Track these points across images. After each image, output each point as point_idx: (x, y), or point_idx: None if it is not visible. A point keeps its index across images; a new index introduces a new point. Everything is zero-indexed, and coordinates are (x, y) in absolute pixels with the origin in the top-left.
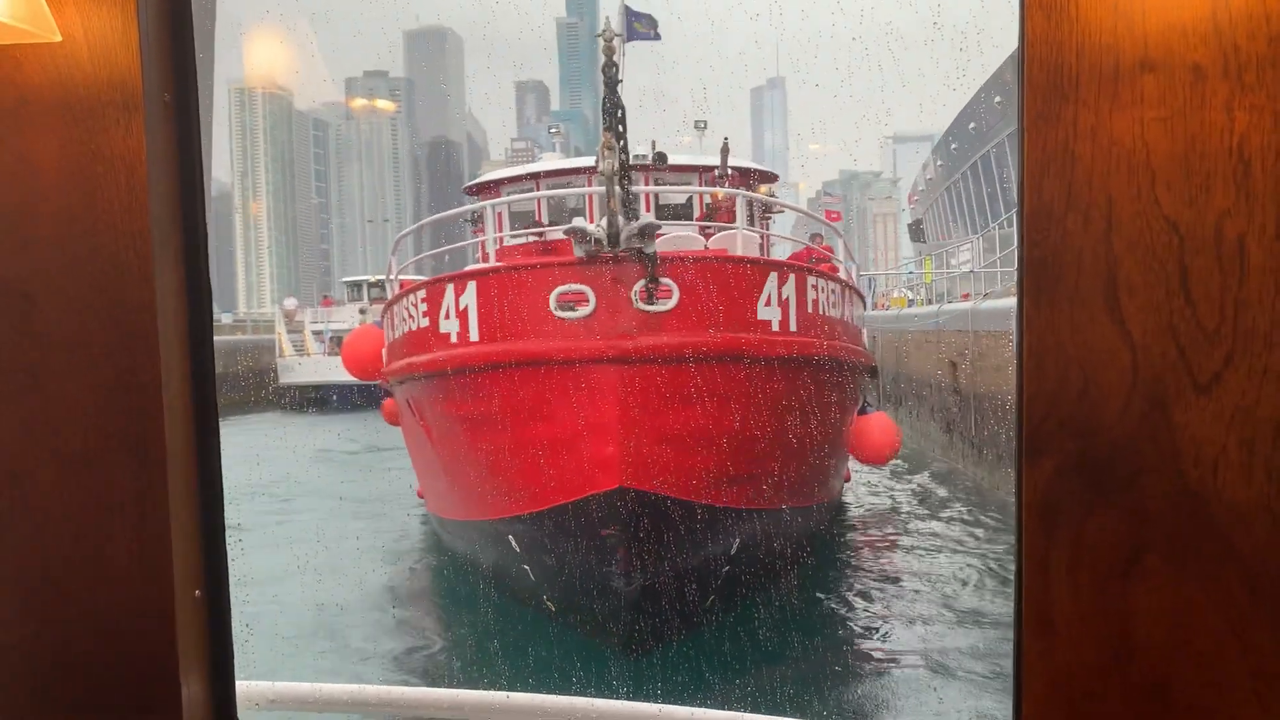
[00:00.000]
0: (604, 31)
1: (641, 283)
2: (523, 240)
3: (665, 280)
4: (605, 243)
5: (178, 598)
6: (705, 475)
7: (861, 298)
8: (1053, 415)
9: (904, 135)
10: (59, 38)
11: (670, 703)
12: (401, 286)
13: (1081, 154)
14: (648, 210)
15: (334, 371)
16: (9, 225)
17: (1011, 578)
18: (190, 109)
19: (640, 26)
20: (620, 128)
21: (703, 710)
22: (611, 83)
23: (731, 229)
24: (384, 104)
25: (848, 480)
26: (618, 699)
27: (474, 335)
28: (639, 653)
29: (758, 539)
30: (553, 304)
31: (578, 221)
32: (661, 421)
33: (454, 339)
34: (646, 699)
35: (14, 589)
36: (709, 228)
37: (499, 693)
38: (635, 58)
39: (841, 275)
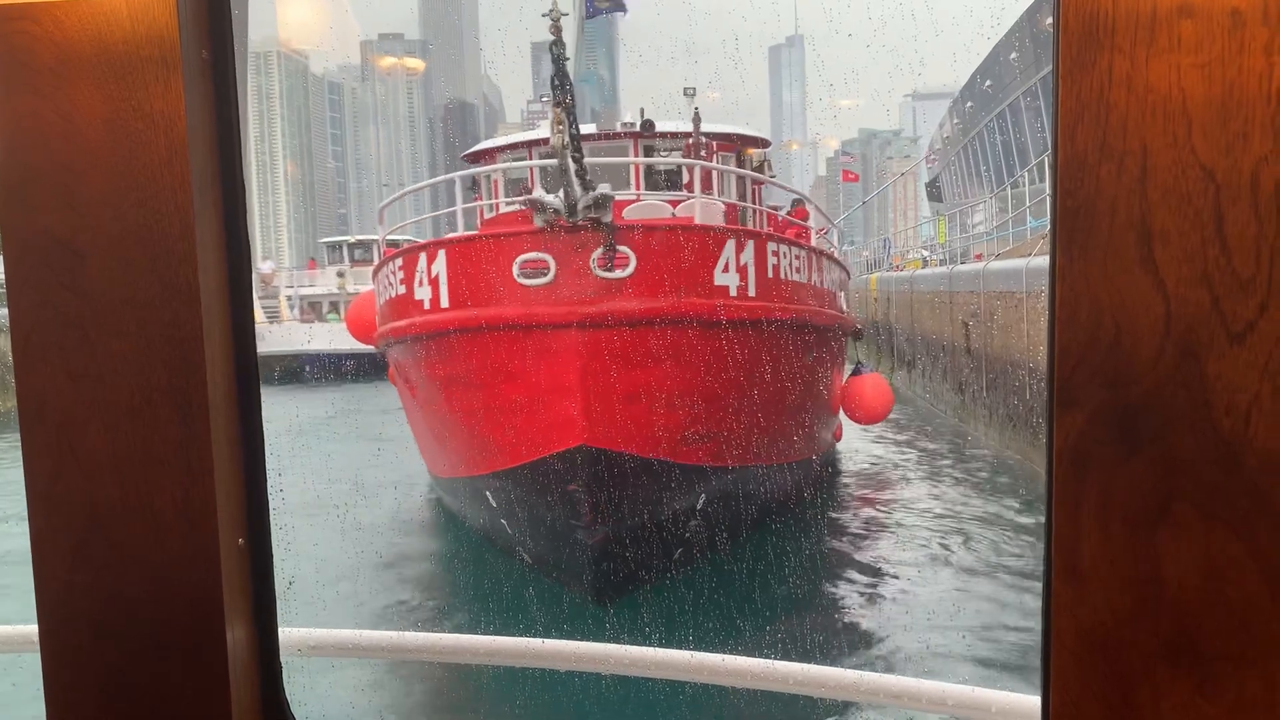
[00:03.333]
0: (551, 11)
1: (600, 250)
2: (516, 208)
3: (622, 248)
4: (563, 212)
5: (222, 545)
6: (666, 433)
7: (838, 263)
8: (1084, 365)
9: (923, 92)
10: None
11: (677, 647)
12: (384, 254)
13: (1116, 102)
14: (638, 180)
15: (306, 340)
16: (56, 182)
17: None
18: (227, 65)
19: (602, 1)
20: (569, 101)
21: (731, 658)
22: (558, 60)
23: (703, 197)
24: (413, 62)
25: (838, 438)
26: (647, 646)
27: (444, 302)
28: (607, 601)
29: (726, 494)
30: (516, 271)
31: (537, 192)
32: (621, 382)
33: (427, 305)
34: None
35: (66, 536)
36: (678, 197)
37: (534, 639)
38: (667, 11)
39: (815, 242)
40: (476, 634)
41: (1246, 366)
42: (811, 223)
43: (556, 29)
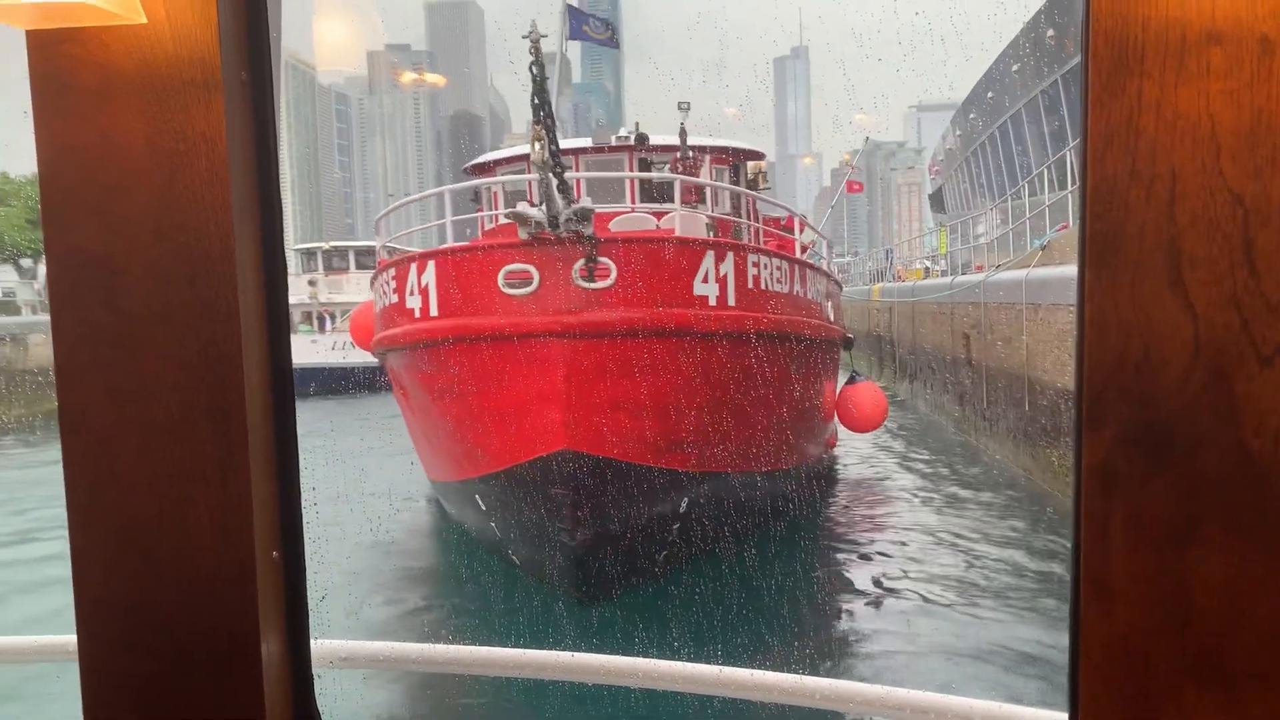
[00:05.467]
0: (530, 34)
1: (581, 262)
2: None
3: (604, 260)
4: (545, 225)
5: (258, 559)
6: (647, 439)
7: (825, 274)
8: (1113, 384)
9: (928, 104)
10: (144, 19)
11: (678, 659)
12: (379, 264)
13: (1145, 127)
14: (633, 192)
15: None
16: (97, 203)
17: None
18: (265, 87)
19: (591, 30)
20: (549, 120)
21: (759, 673)
22: (538, 80)
23: (684, 210)
24: (434, 77)
25: (832, 446)
26: (675, 660)
27: (434, 311)
28: (591, 602)
29: (710, 500)
30: (501, 282)
31: (520, 206)
32: (603, 390)
33: (418, 314)
34: (599, 645)
35: (103, 549)
36: (662, 209)
37: (565, 653)
38: (699, 33)
39: (800, 254)
40: (508, 646)
41: (1276, 389)
42: (802, 235)
43: (535, 49)
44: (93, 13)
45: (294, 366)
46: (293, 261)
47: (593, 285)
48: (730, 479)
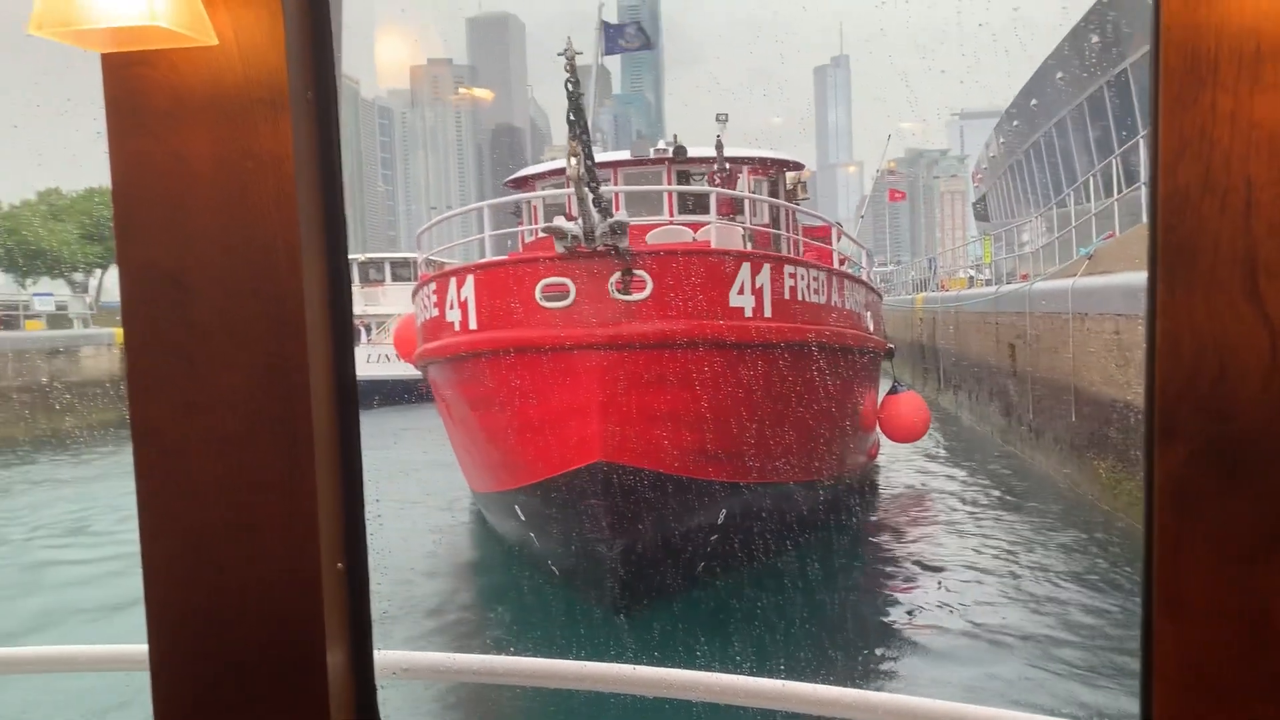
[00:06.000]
0: (565, 51)
1: (617, 275)
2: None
3: (639, 273)
4: (581, 239)
5: (324, 570)
6: (684, 451)
7: (865, 284)
8: (1187, 399)
9: (971, 111)
10: (215, 41)
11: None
12: (421, 278)
13: (1219, 138)
14: (670, 206)
15: None
16: (168, 219)
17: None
18: (330, 106)
19: (626, 41)
20: (585, 135)
21: (836, 689)
22: (573, 96)
23: (720, 222)
24: (481, 91)
25: (874, 457)
26: (738, 674)
27: (473, 324)
28: (628, 613)
29: (748, 511)
30: (538, 295)
31: (557, 220)
32: (638, 401)
33: (457, 327)
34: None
35: (172, 559)
36: (699, 221)
37: (626, 665)
38: (760, 47)
39: (839, 265)
40: (567, 659)
41: None
42: (839, 244)
43: (570, 66)
44: (166, 35)
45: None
46: None
47: (629, 298)
48: (768, 489)
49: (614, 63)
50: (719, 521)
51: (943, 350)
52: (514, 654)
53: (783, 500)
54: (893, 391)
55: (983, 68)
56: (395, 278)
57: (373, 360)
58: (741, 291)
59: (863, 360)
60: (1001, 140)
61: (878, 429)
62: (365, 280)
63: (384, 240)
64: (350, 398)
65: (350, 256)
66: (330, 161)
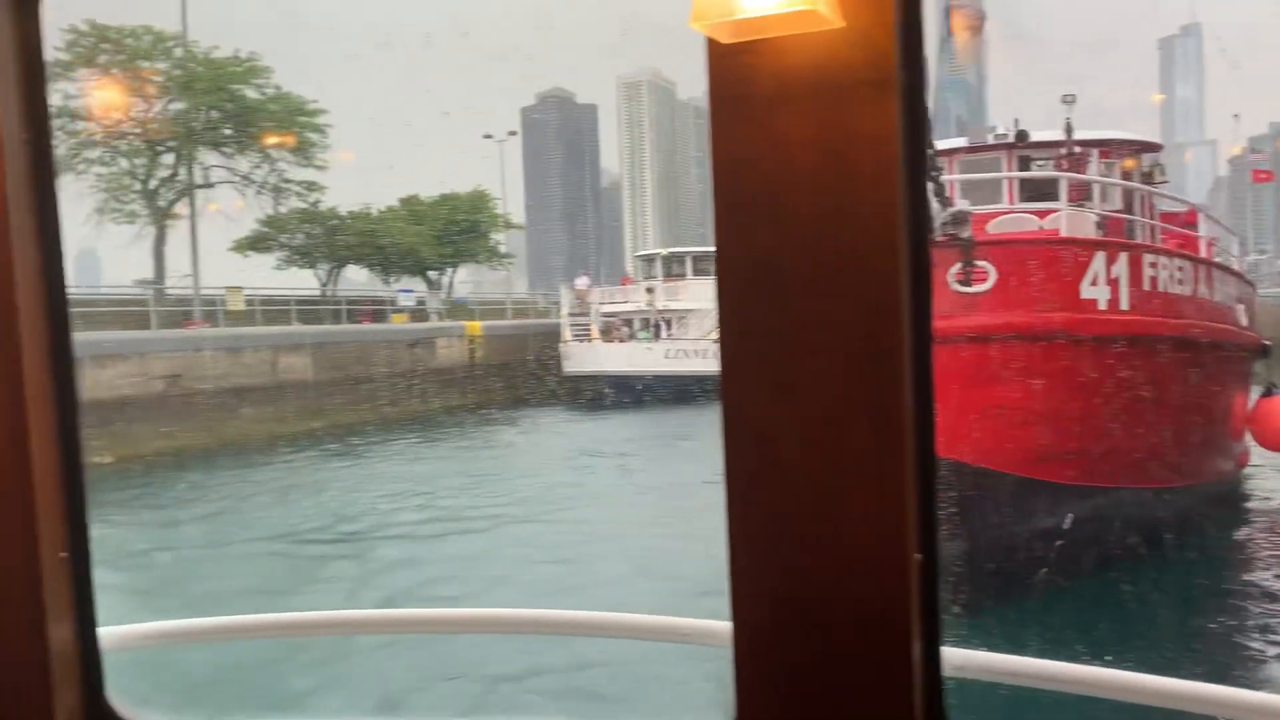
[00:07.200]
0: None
1: (958, 266)
2: None
3: (981, 263)
4: None
5: (908, 560)
6: (1026, 450)
7: (1236, 274)
8: None
9: None
10: (842, 24)
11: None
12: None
13: None
14: (1010, 193)
15: (606, 359)
16: (767, 206)
17: None
18: (921, 85)
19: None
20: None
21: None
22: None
23: (1069, 209)
24: None
25: (1243, 465)
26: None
27: None
28: (967, 616)
29: (1097, 517)
30: None
31: None
32: (980, 398)
33: None
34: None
35: (759, 538)
36: (1046, 209)
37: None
38: (1070, 16)
39: (1204, 253)
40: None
41: None
42: (1202, 231)
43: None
44: (788, 21)
45: (640, 373)
46: (636, 270)
47: (970, 289)
48: (1117, 494)
49: (930, 48)
50: (1065, 526)
51: None
52: (1091, 663)
53: (1134, 506)
54: (1267, 394)
55: None
56: (697, 271)
57: (671, 355)
58: (1095, 283)
59: (1232, 358)
60: None
61: (1247, 435)
62: (667, 274)
63: (695, 236)
64: (929, 384)
65: (654, 252)
66: (920, 139)
